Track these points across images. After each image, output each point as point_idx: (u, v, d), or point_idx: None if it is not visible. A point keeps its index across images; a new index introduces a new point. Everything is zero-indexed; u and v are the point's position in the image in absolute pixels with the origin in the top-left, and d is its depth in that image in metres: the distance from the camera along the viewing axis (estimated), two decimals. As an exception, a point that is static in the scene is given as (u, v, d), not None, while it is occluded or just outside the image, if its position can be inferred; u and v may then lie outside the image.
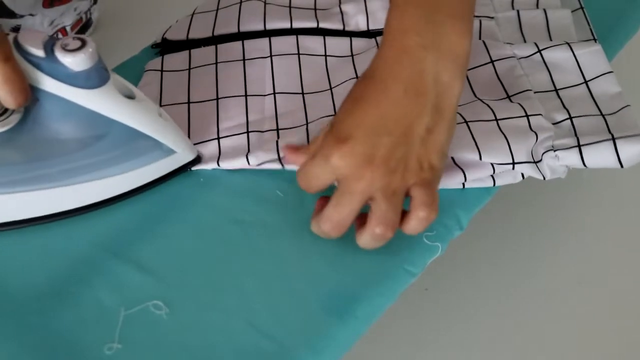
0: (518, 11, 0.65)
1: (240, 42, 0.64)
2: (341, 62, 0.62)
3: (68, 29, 0.86)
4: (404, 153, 0.44)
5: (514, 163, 0.51)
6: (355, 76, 0.60)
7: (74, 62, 0.44)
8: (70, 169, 0.48)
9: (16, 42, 0.43)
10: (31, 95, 0.44)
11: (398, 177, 0.44)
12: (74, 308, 0.46)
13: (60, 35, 0.85)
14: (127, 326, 0.45)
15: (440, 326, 0.70)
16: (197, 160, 0.54)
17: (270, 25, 0.65)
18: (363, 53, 0.63)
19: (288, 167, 0.54)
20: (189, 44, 0.65)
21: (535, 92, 0.57)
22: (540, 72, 0.59)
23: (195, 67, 0.62)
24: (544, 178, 0.52)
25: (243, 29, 0.65)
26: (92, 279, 0.47)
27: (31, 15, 0.80)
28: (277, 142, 0.54)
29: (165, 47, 0.65)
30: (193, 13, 0.68)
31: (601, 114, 0.55)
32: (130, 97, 0.48)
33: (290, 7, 0.67)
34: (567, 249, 0.77)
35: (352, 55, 0.63)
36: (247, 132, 0.56)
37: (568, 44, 0.60)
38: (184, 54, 0.64)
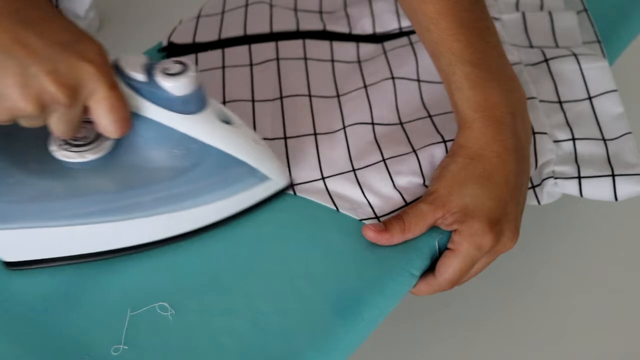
0: (523, 13, 0.65)
1: (247, 47, 0.64)
2: (348, 69, 0.62)
3: None
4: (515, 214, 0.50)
5: None
6: (363, 85, 0.60)
7: (175, 86, 0.42)
8: (164, 197, 0.46)
9: (116, 66, 0.41)
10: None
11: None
12: (80, 309, 0.46)
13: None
14: (133, 328, 0.45)
15: (439, 326, 0.70)
16: (290, 186, 0.52)
17: (277, 28, 0.65)
18: (370, 60, 0.63)
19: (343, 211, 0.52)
20: (195, 48, 0.65)
21: (540, 101, 0.57)
22: (546, 82, 0.60)
23: (202, 71, 0.62)
24: (539, 203, 0.55)
25: (250, 32, 0.65)
26: (98, 279, 0.47)
27: None
28: None
29: (171, 50, 0.64)
30: (198, 16, 0.67)
31: (603, 138, 0.56)
32: (227, 122, 0.47)
33: (296, 10, 0.67)
34: (566, 250, 0.77)
35: (359, 62, 0.63)
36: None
37: (575, 56, 0.60)
38: (191, 57, 0.63)
